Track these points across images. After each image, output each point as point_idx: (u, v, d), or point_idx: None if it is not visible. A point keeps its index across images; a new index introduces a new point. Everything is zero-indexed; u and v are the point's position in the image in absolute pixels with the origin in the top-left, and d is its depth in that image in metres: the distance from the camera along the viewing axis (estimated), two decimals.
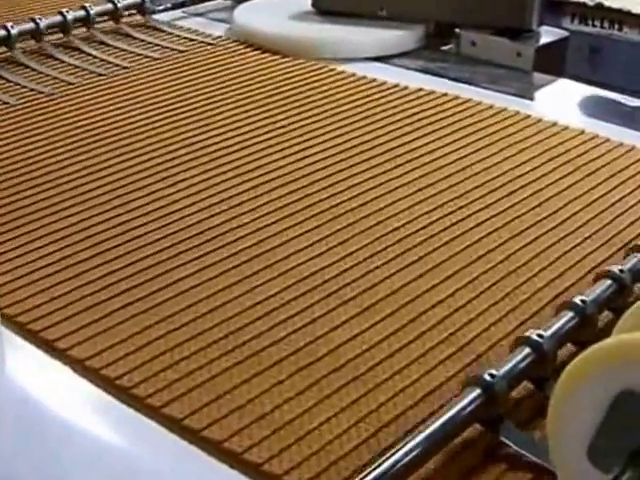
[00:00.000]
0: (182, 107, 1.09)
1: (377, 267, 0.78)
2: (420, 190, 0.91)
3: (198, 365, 0.65)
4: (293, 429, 0.60)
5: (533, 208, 0.88)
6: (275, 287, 0.74)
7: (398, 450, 0.55)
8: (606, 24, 2.44)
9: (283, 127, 1.04)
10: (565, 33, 1.30)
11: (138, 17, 1.35)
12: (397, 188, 0.91)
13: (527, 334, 0.64)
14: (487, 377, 0.60)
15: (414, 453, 0.56)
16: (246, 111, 1.08)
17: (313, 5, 1.32)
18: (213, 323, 0.69)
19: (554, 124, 1.04)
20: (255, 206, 0.86)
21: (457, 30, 1.28)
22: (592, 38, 2.46)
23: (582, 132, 1.03)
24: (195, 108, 1.08)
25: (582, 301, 0.68)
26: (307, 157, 0.97)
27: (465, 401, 0.59)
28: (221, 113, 1.07)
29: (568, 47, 1.32)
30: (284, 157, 0.97)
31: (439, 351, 0.68)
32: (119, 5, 1.30)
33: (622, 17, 2.38)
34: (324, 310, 0.71)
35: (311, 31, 1.27)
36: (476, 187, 0.91)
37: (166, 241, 0.80)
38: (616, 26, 2.41)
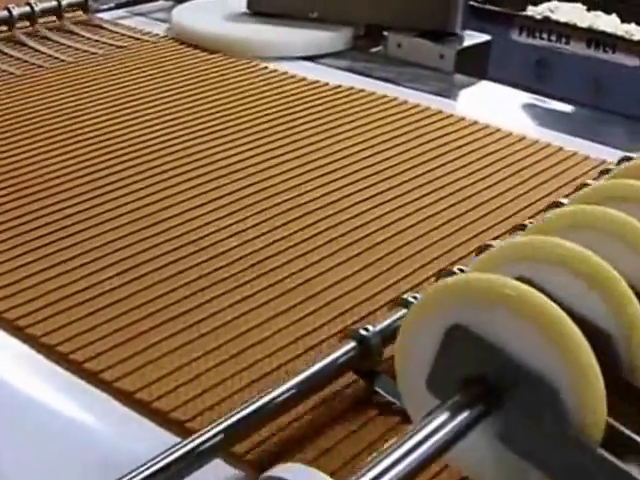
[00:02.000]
0: (119, 100, 1.14)
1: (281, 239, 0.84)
2: (330, 173, 0.98)
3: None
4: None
5: (431, 192, 0.94)
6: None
7: (274, 390, 0.61)
8: (553, 37, 2.52)
9: (215, 121, 1.10)
10: (487, 37, 1.36)
11: (82, 15, 1.40)
12: (307, 172, 0.98)
13: (405, 296, 0.70)
14: (362, 331, 0.66)
15: (288, 394, 0.62)
16: (180, 105, 1.14)
17: (248, 7, 1.38)
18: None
19: (462, 119, 1.12)
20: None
21: (386, 33, 1.35)
22: (540, 51, 2.54)
23: (487, 126, 1.10)
24: (132, 101, 1.14)
25: (460, 270, 0.73)
26: (236, 148, 1.03)
27: (340, 351, 0.65)
28: (156, 106, 1.13)
29: (490, 50, 1.38)
30: (215, 147, 1.03)
31: (326, 313, 0.75)
32: (62, 3, 1.36)
33: (568, 30, 2.46)
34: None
35: (244, 31, 1.34)
36: (381, 172, 0.98)
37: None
38: (563, 39, 2.49)
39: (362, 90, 1.19)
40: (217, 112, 1.12)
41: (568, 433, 0.49)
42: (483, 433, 0.52)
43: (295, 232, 0.86)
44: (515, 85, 1.29)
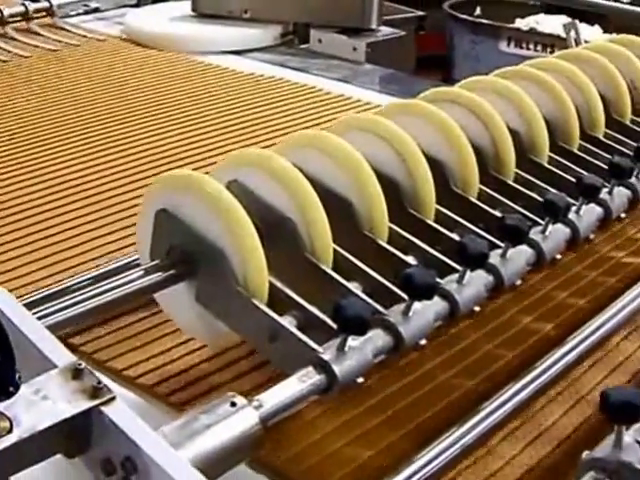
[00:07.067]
0: (66, 87, 1.32)
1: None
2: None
3: None
4: None
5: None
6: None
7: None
8: (539, 47, 2.63)
9: (133, 101, 1.27)
10: (400, 32, 1.50)
11: (48, 19, 1.59)
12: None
13: None
14: None
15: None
16: (113, 87, 1.32)
17: (192, 9, 1.55)
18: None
19: (349, 98, 1.28)
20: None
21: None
22: (526, 60, 2.65)
23: (342, 95, 1.28)
24: (78, 88, 1.31)
25: None
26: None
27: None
28: (97, 92, 1.30)
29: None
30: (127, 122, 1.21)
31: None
32: (29, 8, 1.55)
33: (553, 41, 2.56)
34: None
35: (182, 30, 1.50)
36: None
37: None
38: (548, 49, 2.59)
39: (272, 76, 1.35)
40: (139, 92, 1.30)
41: (236, 290, 0.63)
42: (188, 294, 0.66)
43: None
44: None
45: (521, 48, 2.63)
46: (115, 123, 1.19)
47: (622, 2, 2.38)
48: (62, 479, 0.58)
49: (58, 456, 0.52)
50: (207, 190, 0.65)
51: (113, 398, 0.51)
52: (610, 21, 2.48)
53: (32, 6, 1.56)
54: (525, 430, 0.66)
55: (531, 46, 2.62)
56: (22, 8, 1.55)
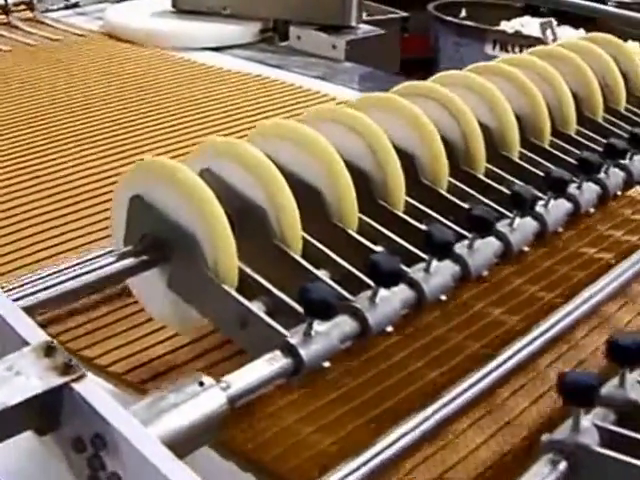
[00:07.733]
0: (45, 82, 1.33)
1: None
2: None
3: None
4: None
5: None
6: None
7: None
8: (525, 50, 2.62)
9: (112, 93, 1.28)
10: (379, 31, 1.51)
11: (29, 13, 1.60)
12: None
13: None
14: None
15: None
16: (91, 80, 1.34)
17: (172, 5, 1.56)
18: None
19: (317, 92, 1.30)
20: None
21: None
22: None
23: (320, 93, 1.30)
24: (56, 82, 1.32)
25: None
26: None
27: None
28: (76, 87, 1.31)
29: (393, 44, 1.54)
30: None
31: None
32: (9, 1, 1.56)
33: (538, 43, 2.58)
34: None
35: (160, 25, 1.52)
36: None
37: None
38: None
39: (250, 73, 1.37)
40: (118, 86, 1.32)
41: (207, 276, 0.64)
42: (160, 280, 0.68)
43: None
44: None
45: (506, 51, 2.64)
46: (95, 117, 1.20)
47: (608, 5, 2.40)
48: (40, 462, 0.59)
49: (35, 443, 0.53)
50: (180, 177, 0.66)
51: (83, 375, 0.52)
52: (596, 24, 2.49)
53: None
54: (491, 419, 0.68)
55: (516, 49, 2.63)
56: (2, 1, 1.56)
